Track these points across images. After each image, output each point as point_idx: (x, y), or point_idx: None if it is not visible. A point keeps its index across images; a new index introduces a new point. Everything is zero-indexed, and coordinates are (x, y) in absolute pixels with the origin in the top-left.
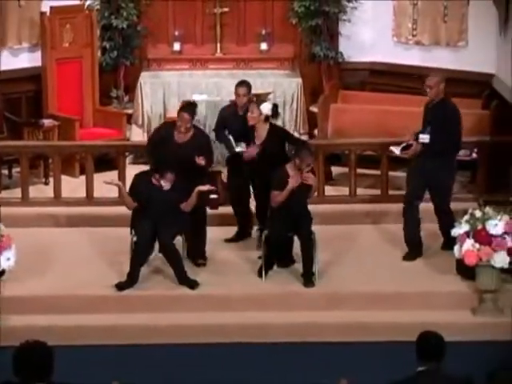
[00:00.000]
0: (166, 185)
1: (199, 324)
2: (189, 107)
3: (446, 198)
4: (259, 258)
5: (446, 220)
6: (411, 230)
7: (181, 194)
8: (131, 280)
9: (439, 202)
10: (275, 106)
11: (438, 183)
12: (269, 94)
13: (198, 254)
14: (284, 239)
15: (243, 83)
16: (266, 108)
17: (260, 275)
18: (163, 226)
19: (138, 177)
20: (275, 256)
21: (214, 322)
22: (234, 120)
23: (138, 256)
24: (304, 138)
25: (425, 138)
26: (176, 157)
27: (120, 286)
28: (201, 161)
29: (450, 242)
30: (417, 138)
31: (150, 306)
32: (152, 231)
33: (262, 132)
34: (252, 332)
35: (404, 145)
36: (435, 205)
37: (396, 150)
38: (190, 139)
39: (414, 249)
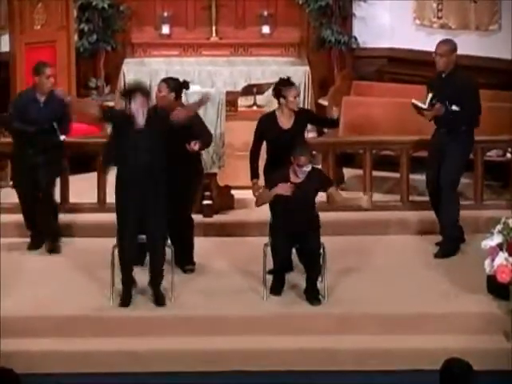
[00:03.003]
0: (137, 112)
1: (189, 350)
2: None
3: (453, 176)
4: (269, 272)
5: (447, 210)
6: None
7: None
8: (127, 287)
9: (443, 179)
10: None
11: (447, 155)
12: (271, 84)
13: (185, 260)
14: (289, 251)
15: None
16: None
17: (273, 292)
18: (151, 212)
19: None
20: (281, 269)
21: (207, 347)
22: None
23: (126, 252)
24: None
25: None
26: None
27: (124, 301)
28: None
29: (445, 247)
30: (431, 101)
31: (131, 328)
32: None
33: (287, 118)
34: (251, 359)
35: (431, 98)
36: (439, 183)
37: (422, 104)
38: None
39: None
